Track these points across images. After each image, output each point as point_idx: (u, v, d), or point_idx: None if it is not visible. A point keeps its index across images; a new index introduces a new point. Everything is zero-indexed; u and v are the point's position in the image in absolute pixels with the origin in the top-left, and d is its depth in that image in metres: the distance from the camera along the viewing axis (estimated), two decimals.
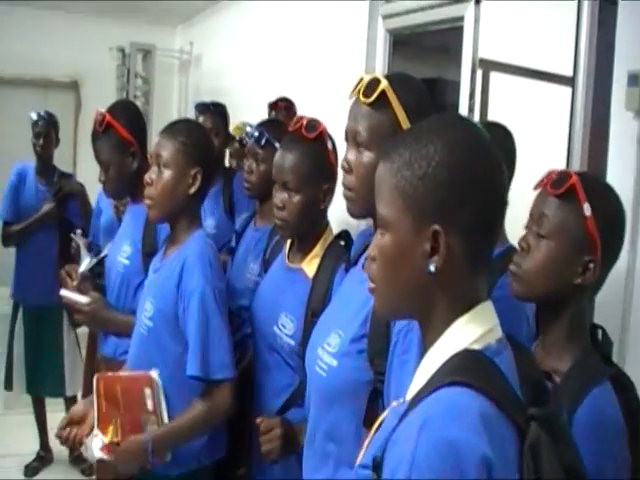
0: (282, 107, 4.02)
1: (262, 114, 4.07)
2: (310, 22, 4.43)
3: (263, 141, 2.68)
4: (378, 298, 1.13)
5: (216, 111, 3.73)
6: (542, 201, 1.51)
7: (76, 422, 2.23)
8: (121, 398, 2.13)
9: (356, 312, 1.55)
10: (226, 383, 2.08)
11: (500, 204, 1.09)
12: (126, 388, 2.16)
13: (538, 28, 2.41)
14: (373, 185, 1.49)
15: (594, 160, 2.10)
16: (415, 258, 1.04)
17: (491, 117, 2.56)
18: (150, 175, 2.20)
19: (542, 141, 2.30)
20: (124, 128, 2.59)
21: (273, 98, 4.16)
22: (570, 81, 2.15)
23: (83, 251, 3.29)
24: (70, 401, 4.36)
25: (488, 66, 2.58)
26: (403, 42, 3.41)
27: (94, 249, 3.33)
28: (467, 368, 0.99)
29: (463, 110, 2.65)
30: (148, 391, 2.14)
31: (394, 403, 1.19)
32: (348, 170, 1.56)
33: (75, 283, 2.55)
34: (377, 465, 0.99)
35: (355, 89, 1.54)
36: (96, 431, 2.06)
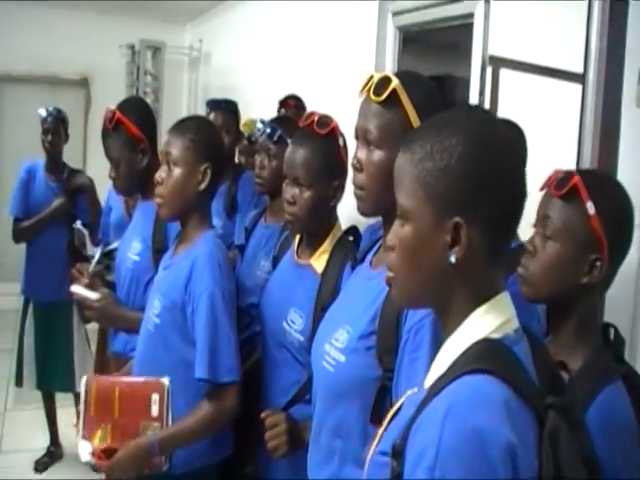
0: (292, 105, 4.02)
1: (271, 111, 4.07)
2: (319, 19, 4.42)
3: (276, 137, 2.69)
4: (397, 287, 1.15)
5: (227, 108, 3.73)
6: (546, 202, 1.51)
7: None
8: (118, 402, 2.12)
9: (365, 309, 1.55)
10: (232, 386, 2.09)
11: (520, 197, 1.10)
12: (129, 392, 2.14)
13: (548, 25, 2.40)
14: (384, 183, 1.50)
15: (604, 158, 2.10)
16: (435, 249, 1.06)
17: (501, 114, 2.56)
18: (160, 174, 2.20)
19: (552, 139, 2.30)
20: (134, 125, 2.60)
21: (282, 95, 4.16)
22: (580, 78, 2.14)
23: (87, 241, 3.30)
24: (80, 397, 4.37)
25: (498, 63, 2.58)
26: (413, 39, 3.42)
27: (97, 239, 3.34)
28: (488, 356, 1.00)
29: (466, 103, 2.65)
30: (155, 396, 2.13)
31: (409, 392, 1.20)
32: (359, 168, 1.56)
33: (86, 280, 2.56)
34: (397, 452, 1.00)
35: (365, 87, 1.53)
36: (82, 433, 2.08)
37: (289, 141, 2.21)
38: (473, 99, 2.66)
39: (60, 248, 4.19)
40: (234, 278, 2.23)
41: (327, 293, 1.94)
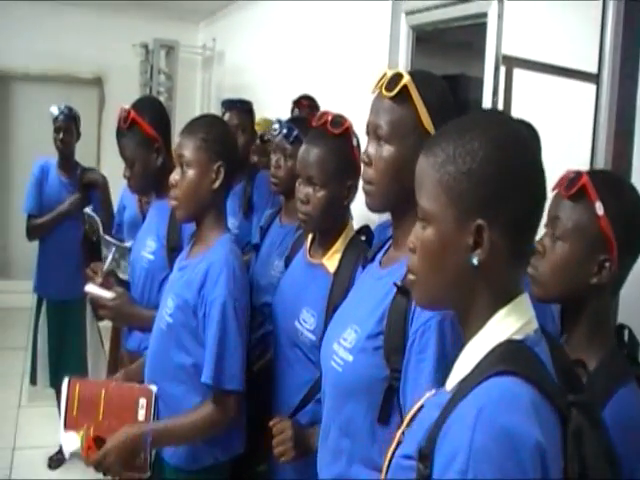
0: (306, 105, 4.02)
1: (284, 110, 4.07)
2: (333, 18, 4.42)
3: (292, 137, 2.69)
4: (418, 289, 1.15)
5: (242, 108, 3.73)
6: (556, 203, 1.51)
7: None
8: (103, 404, 2.14)
9: (373, 309, 1.55)
10: (235, 395, 2.11)
11: (541, 199, 1.11)
12: (116, 394, 2.18)
13: (562, 24, 2.39)
14: (393, 179, 1.52)
15: (618, 158, 2.09)
16: (458, 251, 1.07)
17: (514, 114, 2.55)
18: (174, 176, 2.21)
19: (566, 139, 2.29)
20: (148, 124, 2.61)
21: (296, 95, 4.16)
22: (595, 78, 2.13)
23: (99, 226, 3.30)
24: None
25: (511, 63, 2.57)
26: (426, 38, 3.41)
27: (111, 232, 3.35)
28: (512, 358, 1.01)
29: (486, 107, 2.65)
30: (143, 401, 2.16)
31: (427, 394, 1.21)
32: (368, 163, 1.57)
33: (100, 279, 2.58)
34: (424, 455, 1.01)
35: (378, 83, 1.54)
36: (63, 426, 2.12)
37: None
38: (486, 99, 2.65)
39: (73, 246, 4.19)
40: (248, 285, 2.23)
41: (339, 292, 1.95)
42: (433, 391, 1.19)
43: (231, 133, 2.41)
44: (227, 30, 7.14)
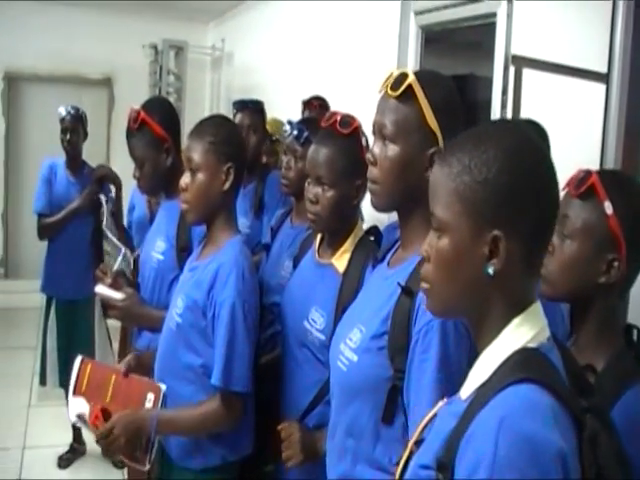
0: (316, 106, 4.02)
1: (294, 111, 4.08)
2: (342, 18, 4.43)
3: (303, 139, 2.70)
4: (432, 298, 1.16)
5: (254, 108, 3.72)
6: (566, 202, 1.50)
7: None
8: (112, 388, 2.18)
9: (378, 309, 1.56)
10: (242, 396, 2.12)
11: (555, 208, 1.11)
12: (125, 383, 2.20)
13: (571, 24, 2.39)
14: (397, 178, 1.52)
15: (628, 157, 2.08)
16: (473, 261, 1.07)
17: (524, 114, 2.55)
18: (184, 180, 2.21)
19: (576, 139, 2.29)
20: (158, 125, 2.61)
21: (305, 95, 4.16)
22: (604, 78, 2.13)
23: (105, 216, 3.28)
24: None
25: (521, 62, 2.57)
26: (435, 38, 3.41)
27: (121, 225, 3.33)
28: (529, 365, 1.02)
29: (495, 107, 2.65)
30: (151, 396, 2.18)
31: (440, 403, 1.21)
32: (373, 162, 1.57)
33: (109, 280, 2.58)
34: (443, 465, 1.01)
35: (384, 83, 1.55)
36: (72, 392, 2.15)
37: None
38: (496, 99, 2.65)
39: (81, 245, 4.20)
40: (257, 287, 2.23)
41: (349, 293, 1.95)
42: (445, 400, 1.19)
43: (239, 133, 2.41)
44: (236, 30, 7.15)
